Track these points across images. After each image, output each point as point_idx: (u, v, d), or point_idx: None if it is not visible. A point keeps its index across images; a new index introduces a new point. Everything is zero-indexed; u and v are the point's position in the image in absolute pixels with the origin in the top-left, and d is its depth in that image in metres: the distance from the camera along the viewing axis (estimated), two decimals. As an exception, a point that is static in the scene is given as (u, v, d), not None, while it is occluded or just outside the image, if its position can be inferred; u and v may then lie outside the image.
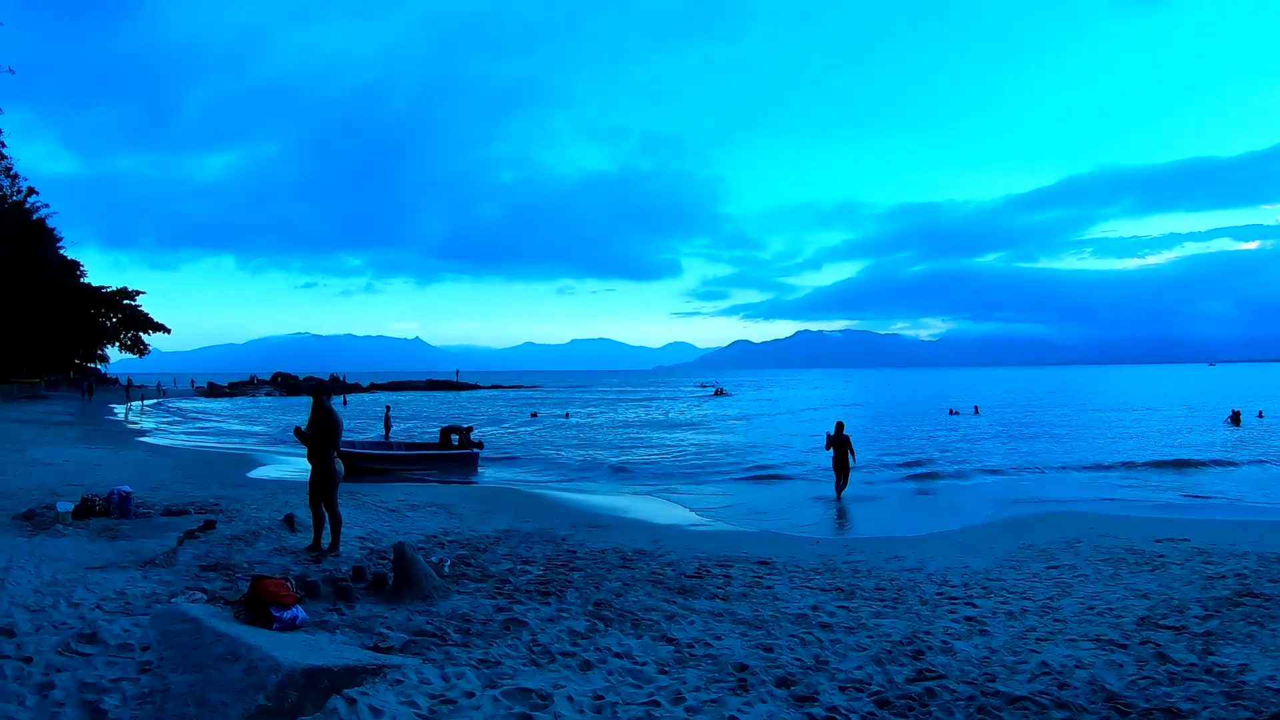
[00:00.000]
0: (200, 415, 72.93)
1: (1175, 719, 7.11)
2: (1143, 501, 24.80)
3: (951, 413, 67.36)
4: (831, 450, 25.83)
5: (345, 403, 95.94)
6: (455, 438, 33.89)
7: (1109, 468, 31.90)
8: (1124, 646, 9.14)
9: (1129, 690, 7.72)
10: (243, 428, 57.57)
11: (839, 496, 25.39)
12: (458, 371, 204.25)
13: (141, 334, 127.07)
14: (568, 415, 71.21)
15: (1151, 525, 18.94)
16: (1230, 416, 54.51)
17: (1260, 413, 58.41)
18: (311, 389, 13.69)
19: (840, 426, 25.95)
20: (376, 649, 8.12)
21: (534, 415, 71.06)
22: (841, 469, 25.67)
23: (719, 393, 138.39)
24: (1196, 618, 10.39)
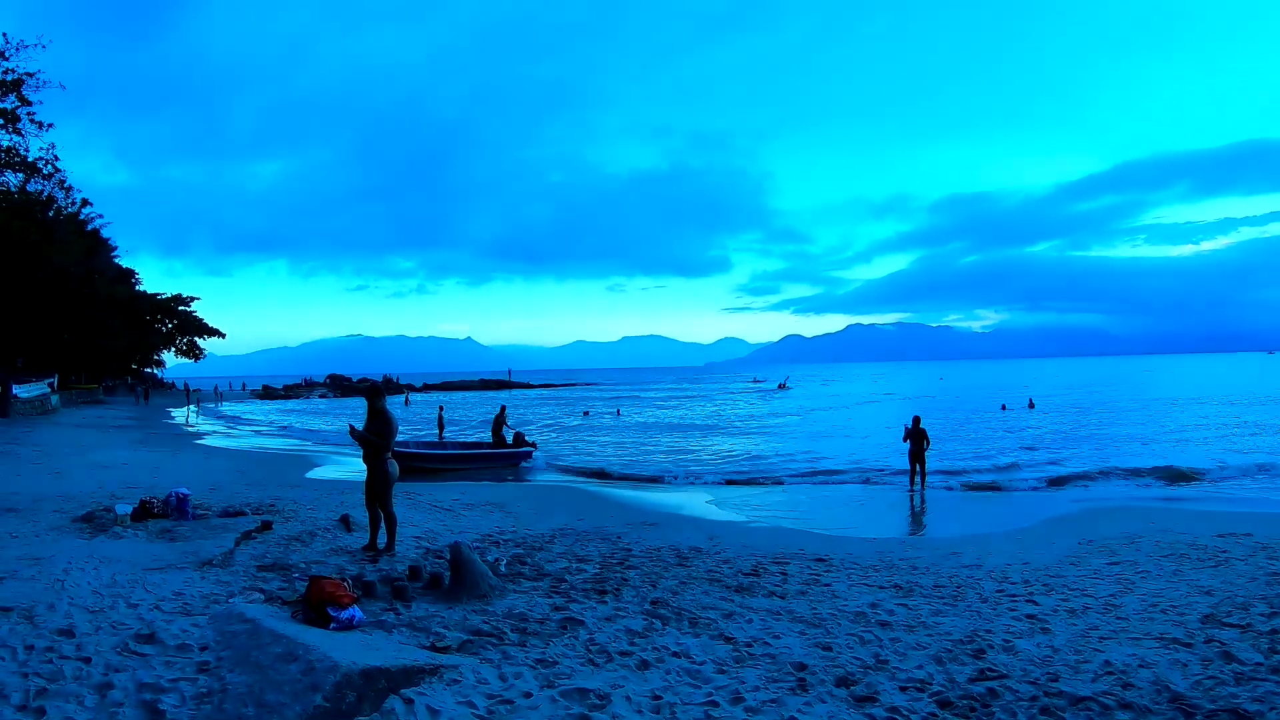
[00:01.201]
0: (255, 417, 73.73)
1: None
2: (1204, 497, 24.48)
3: (1003, 408, 66.73)
4: (909, 443, 26.38)
5: (408, 402, 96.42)
6: (509, 435, 33.97)
7: (1173, 476, 30.96)
8: (1188, 645, 8.93)
9: (1194, 690, 7.54)
10: (298, 428, 58.00)
11: (916, 487, 26.03)
12: (509, 371, 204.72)
13: (197, 339, 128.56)
14: (619, 413, 71.08)
15: (1214, 520, 18.58)
16: None
17: None
18: (365, 391, 13.73)
19: (917, 420, 26.47)
20: (433, 649, 8.10)
21: (586, 414, 70.97)
22: (918, 459, 26.17)
23: (782, 386, 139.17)
24: (1262, 615, 10.12)
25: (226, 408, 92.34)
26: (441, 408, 50.51)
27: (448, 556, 11.13)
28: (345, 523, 15.21)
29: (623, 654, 8.37)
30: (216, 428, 58.82)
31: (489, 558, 12.63)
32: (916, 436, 26.26)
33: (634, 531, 16.83)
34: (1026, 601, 11.13)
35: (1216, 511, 20.51)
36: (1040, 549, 15.31)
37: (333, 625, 8.46)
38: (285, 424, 63.46)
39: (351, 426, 13.55)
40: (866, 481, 28.32)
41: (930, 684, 7.75)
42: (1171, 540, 15.45)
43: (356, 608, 8.90)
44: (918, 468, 26.42)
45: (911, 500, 24.41)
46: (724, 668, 8.12)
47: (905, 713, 7.11)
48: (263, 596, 9.74)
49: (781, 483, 28.70)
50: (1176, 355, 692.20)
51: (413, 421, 55.89)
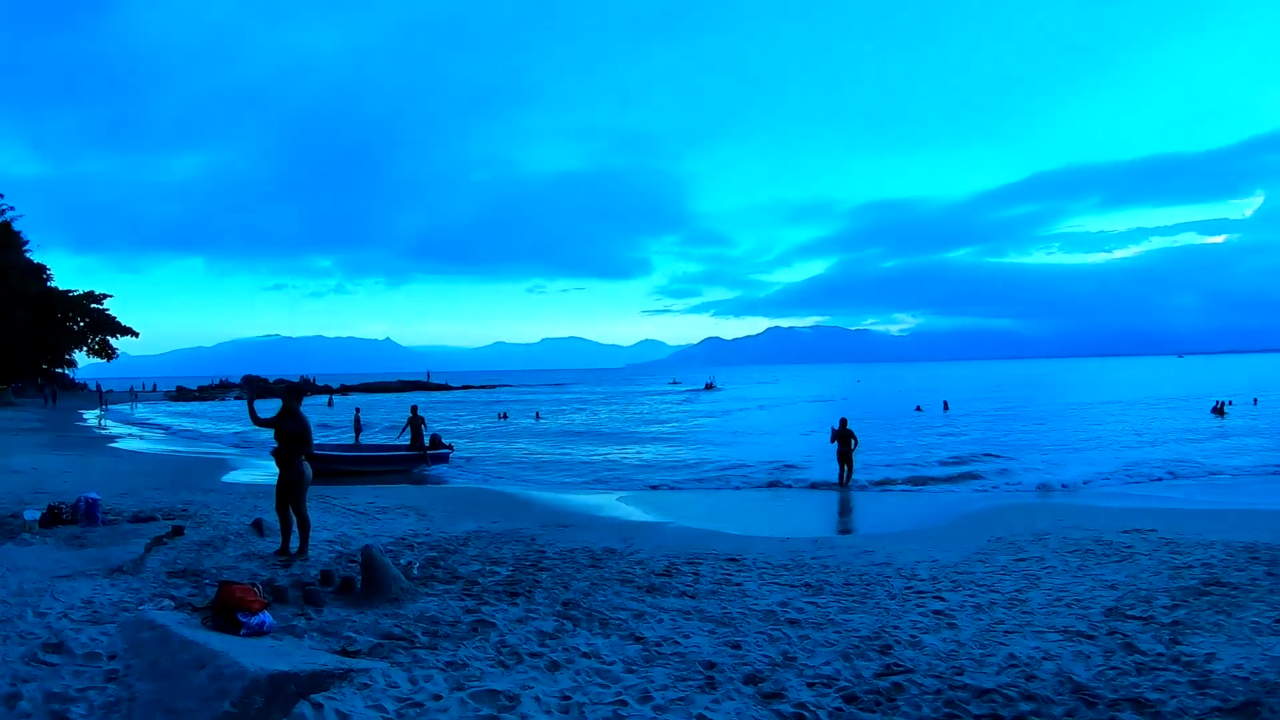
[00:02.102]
0: (170, 420, 72.32)
1: (1143, 709, 7.19)
2: (1112, 493, 25.08)
3: (918, 409, 67.58)
4: (836, 444, 27.40)
5: (331, 404, 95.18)
6: (420, 438, 33.75)
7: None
8: (1091, 638, 9.24)
9: (1096, 681, 7.82)
10: (213, 431, 57.05)
11: (843, 485, 26.95)
12: (428, 372, 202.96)
13: (109, 338, 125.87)
14: (539, 416, 70.66)
15: (1120, 516, 19.10)
16: (1216, 409, 55.16)
17: (1255, 400, 59.33)
18: (283, 391, 13.58)
19: (844, 422, 27.65)
20: (344, 653, 8.11)
21: (503, 416, 70.28)
22: (845, 459, 27.37)
23: (709, 387, 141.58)
24: (1164, 608, 10.52)
25: (140, 410, 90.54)
26: (359, 410, 50.05)
27: (360, 560, 11.11)
28: (258, 527, 15.08)
29: (533, 655, 8.44)
30: (129, 431, 57.72)
31: (402, 561, 12.60)
32: (844, 437, 27.19)
33: (549, 533, 16.87)
34: (934, 598, 11.40)
35: (1123, 508, 21.12)
36: (949, 546, 15.64)
37: (243, 631, 8.44)
38: (199, 427, 62.40)
39: (253, 412, 13.43)
40: (776, 484, 28.53)
41: (837, 680, 7.93)
42: (1078, 537, 15.89)
43: (267, 613, 8.87)
44: (845, 467, 27.23)
45: (834, 499, 24.85)
46: (633, 667, 8.24)
47: (812, 708, 7.27)
48: (173, 603, 9.66)
49: (700, 484, 28.93)
50: (1089, 358, 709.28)
51: (333, 425, 55.33)
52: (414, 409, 34.50)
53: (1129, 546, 14.69)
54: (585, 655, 8.51)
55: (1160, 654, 8.57)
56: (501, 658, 8.33)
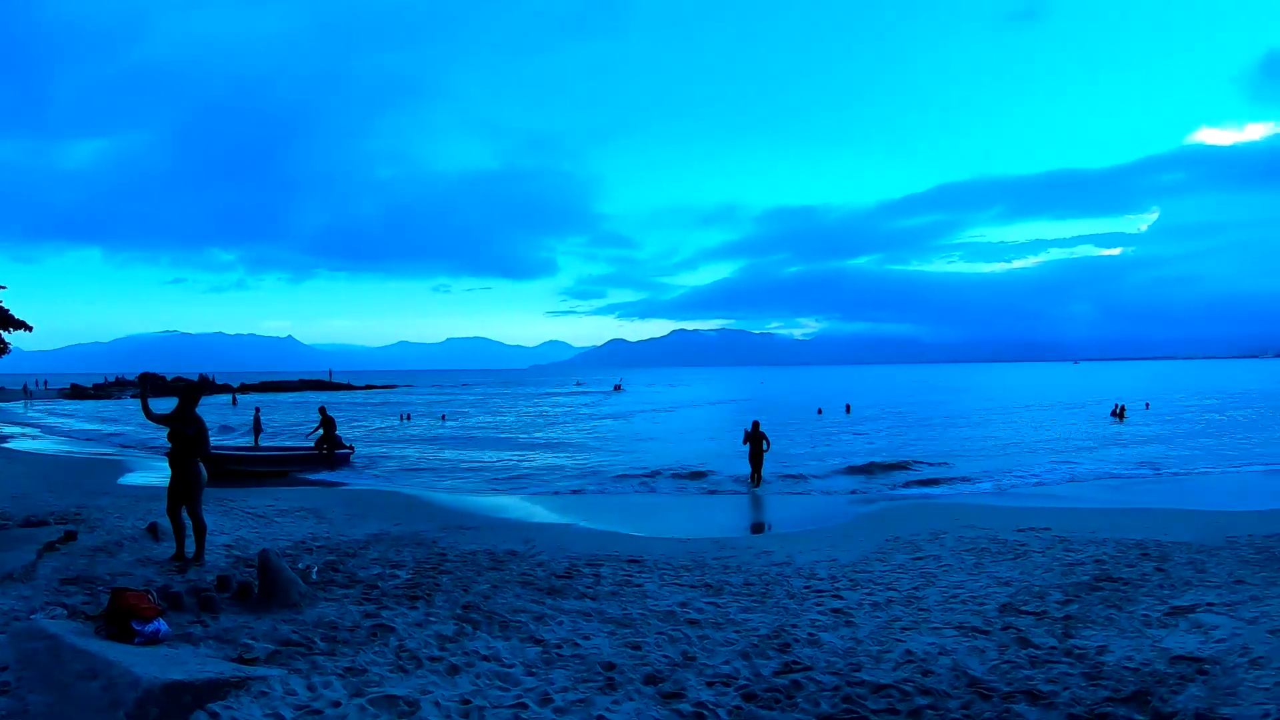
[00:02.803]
0: (63, 419, 70.52)
1: (1037, 700, 7.48)
2: (1009, 493, 25.65)
3: (819, 412, 68.25)
4: (748, 445, 27.97)
5: (235, 403, 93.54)
6: (332, 438, 33.35)
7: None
8: (986, 633, 9.56)
9: (991, 675, 8.10)
10: (109, 431, 55.65)
11: (753, 485, 27.52)
12: (330, 371, 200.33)
13: (1, 331, 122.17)
14: (444, 418, 69.78)
15: (1015, 515, 19.68)
16: (1116, 412, 57.04)
17: (1146, 404, 60.77)
18: (182, 390, 13.33)
19: (756, 424, 28.05)
20: (241, 661, 8.05)
21: (405, 417, 69.12)
22: (756, 461, 27.99)
23: (617, 388, 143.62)
24: (1057, 603, 10.96)
25: (34, 409, 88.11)
26: (259, 410, 49.16)
27: (257, 565, 10.97)
28: (153, 532, 14.82)
29: (433, 660, 8.47)
30: (21, 430, 56.19)
31: (300, 565, 12.47)
32: (755, 439, 27.75)
33: (450, 536, 16.88)
34: (832, 596, 11.67)
35: (1019, 507, 21.77)
36: (849, 546, 15.97)
37: (137, 640, 8.30)
38: (95, 427, 60.88)
39: (147, 408, 13.20)
40: (683, 488, 28.60)
41: (736, 679, 8.09)
42: (974, 535, 16.38)
43: (162, 621, 8.74)
44: (756, 469, 27.85)
45: (737, 500, 25.24)
46: (534, 670, 8.32)
47: (711, 707, 7.41)
48: (65, 612, 9.48)
49: (605, 486, 29.00)
50: (988, 364, 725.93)
51: (234, 427, 54.35)
52: (323, 409, 34.12)
53: (1023, 544, 15.17)
54: (485, 658, 8.57)
55: (1053, 647, 8.94)
56: (401, 662, 8.35)
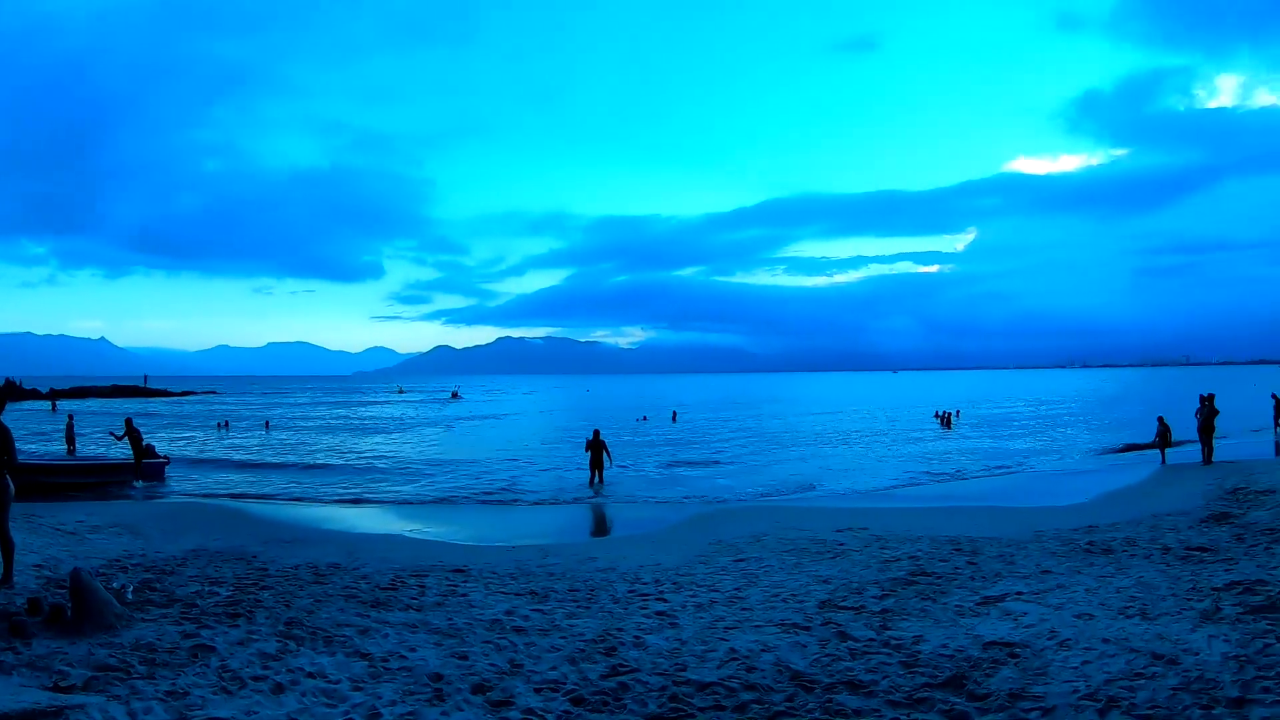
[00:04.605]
0: None
1: (857, 690, 7.89)
2: (828, 493, 26.41)
3: (644, 419, 69.07)
4: (589, 453, 29.88)
5: (55, 409, 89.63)
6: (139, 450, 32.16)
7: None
8: (807, 628, 9.97)
9: (813, 668, 8.50)
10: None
11: (594, 490, 28.51)
12: (145, 376, 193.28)
13: None
14: (268, 426, 68.04)
15: (834, 516, 20.40)
16: (941, 418, 59.89)
17: (957, 411, 63.06)
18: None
19: (597, 433, 29.70)
20: (56, 689, 7.79)
21: (224, 425, 66.90)
22: (596, 467, 29.74)
23: (454, 395, 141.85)
24: (874, 597, 11.52)
25: None
26: (72, 417, 47.13)
27: (69, 586, 10.58)
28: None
29: (257, 679, 8.32)
30: None
31: (115, 584, 12.05)
32: (596, 447, 29.14)
33: (271, 549, 16.50)
34: (657, 599, 11.95)
35: (837, 509, 22.70)
36: (673, 550, 16.30)
37: (-58, 669, 7.96)
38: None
39: None
40: (517, 500, 28.26)
41: (564, 684, 8.24)
42: (794, 537, 16.97)
43: (-32, 649, 8.39)
44: (596, 474, 29.19)
45: (564, 509, 25.34)
46: (360, 685, 8.28)
47: (540, 713, 7.58)
48: None
49: (433, 495, 28.79)
50: (812, 373, 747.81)
51: (47, 434, 52.14)
52: (129, 421, 32.91)
53: (842, 544, 15.80)
54: (311, 675, 8.48)
55: (871, 639, 9.43)
56: (224, 683, 8.19)
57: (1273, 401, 45.08)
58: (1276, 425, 44.17)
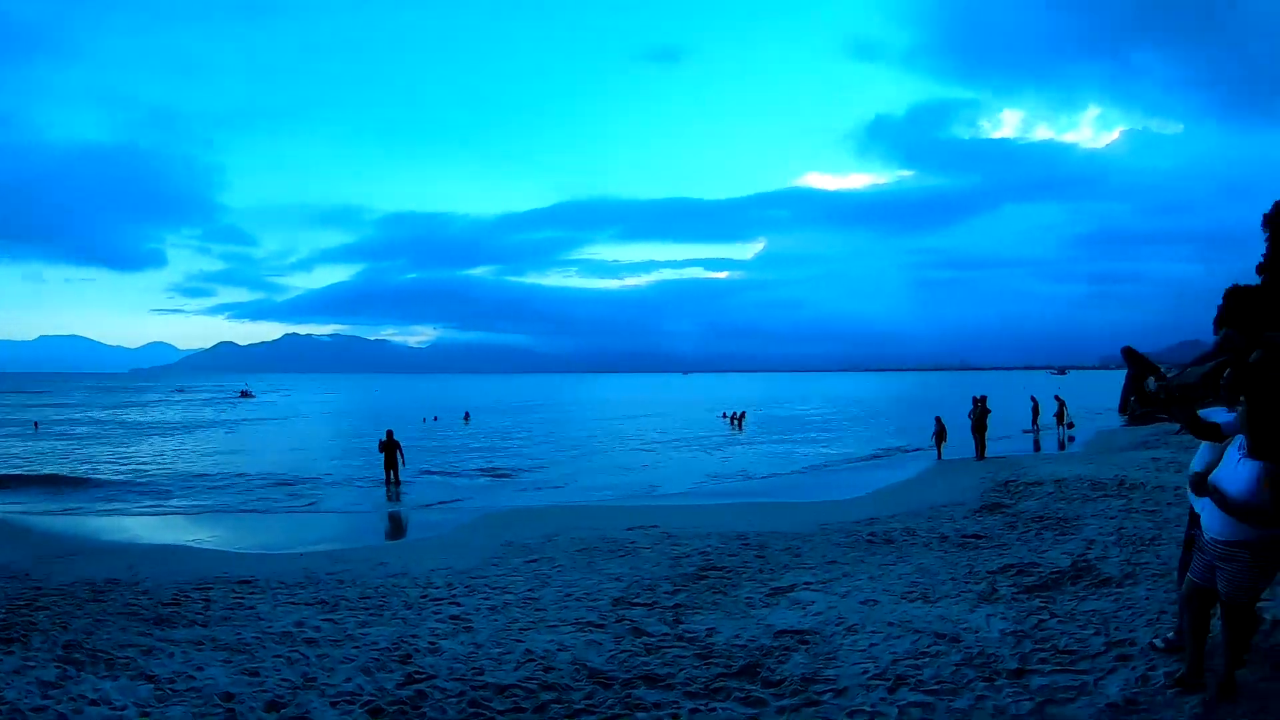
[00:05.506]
0: None
1: (655, 683, 8.23)
2: (620, 493, 26.78)
3: (435, 419, 68.80)
4: (383, 454, 30.75)
5: None
6: None
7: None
8: (602, 626, 10.23)
9: (610, 664, 8.78)
10: None
11: (388, 492, 29.17)
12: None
13: None
14: (36, 427, 64.59)
15: (625, 514, 20.84)
16: (732, 419, 62.01)
17: (743, 413, 64.68)
18: None
19: (390, 434, 31.16)
20: None
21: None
22: (391, 468, 30.62)
23: (245, 394, 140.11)
24: (667, 593, 11.93)
25: None
26: None
27: None
28: None
29: (36, 710, 7.91)
30: None
31: None
32: (390, 448, 30.05)
33: (44, 566, 15.68)
34: (450, 604, 12.01)
35: (628, 507, 23.19)
36: (465, 553, 16.36)
37: None
38: None
39: None
40: (295, 504, 27.85)
41: (361, 695, 8.21)
42: (585, 536, 17.29)
43: None
44: (391, 473, 30.11)
45: (353, 516, 24.89)
46: (147, 710, 8.01)
47: (339, 727, 7.32)
48: None
49: (214, 497, 28.23)
50: (600, 373, 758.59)
51: None
52: None
53: (633, 542, 16.20)
54: (94, 702, 8.15)
55: (666, 634, 9.75)
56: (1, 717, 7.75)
57: (1031, 404, 48.48)
58: (1034, 425, 47.71)
